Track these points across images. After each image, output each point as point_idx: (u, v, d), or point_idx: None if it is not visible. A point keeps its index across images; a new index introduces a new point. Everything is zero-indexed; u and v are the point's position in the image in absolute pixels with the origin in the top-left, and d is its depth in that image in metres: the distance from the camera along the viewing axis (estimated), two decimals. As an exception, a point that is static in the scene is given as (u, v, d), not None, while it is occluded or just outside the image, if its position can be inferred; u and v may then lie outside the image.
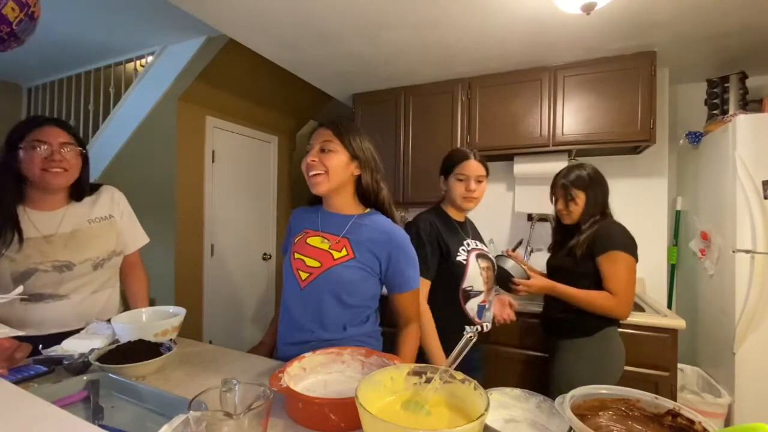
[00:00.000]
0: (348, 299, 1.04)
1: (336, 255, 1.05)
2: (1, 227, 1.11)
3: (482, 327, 1.38)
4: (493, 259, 1.50)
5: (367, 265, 1.05)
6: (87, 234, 1.23)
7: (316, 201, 1.19)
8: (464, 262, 1.36)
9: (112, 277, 1.33)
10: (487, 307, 1.40)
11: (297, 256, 1.09)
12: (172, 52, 2.86)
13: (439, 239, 1.38)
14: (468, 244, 1.40)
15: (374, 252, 1.05)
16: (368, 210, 1.13)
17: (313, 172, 1.03)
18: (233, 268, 3.20)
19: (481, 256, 1.41)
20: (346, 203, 1.12)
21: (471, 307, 1.37)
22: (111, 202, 1.33)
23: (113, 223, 1.31)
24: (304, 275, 1.06)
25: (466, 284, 1.35)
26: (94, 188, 1.33)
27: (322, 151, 1.04)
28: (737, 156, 1.85)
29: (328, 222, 1.11)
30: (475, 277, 1.36)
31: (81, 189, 1.26)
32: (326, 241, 1.08)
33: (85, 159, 1.25)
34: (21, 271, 1.12)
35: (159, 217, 2.75)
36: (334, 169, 1.04)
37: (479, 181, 1.41)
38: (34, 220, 1.17)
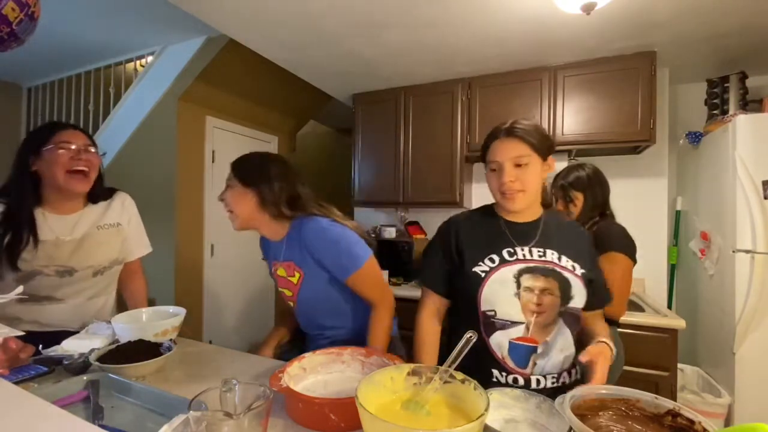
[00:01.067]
0: (329, 304, 1.14)
1: (294, 281, 1.14)
2: (20, 229, 1.11)
3: (527, 380, 0.92)
4: (570, 278, 0.94)
5: (316, 273, 1.10)
6: (94, 240, 1.24)
7: None
8: (482, 274, 0.96)
9: (110, 284, 1.33)
10: (538, 352, 0.92)
11: (280, 289, 1.22)
12: (172, 52, 2.86)
13: (452, 242, 1.05)
14: (512, 252, 0.97)
15: (309, 256, 1.09)
16: (290, 223, 1.14)
17: (226, 211, 1.12)
18: (233, 268, 3.20)
19: (534, 270, 0.94)
20: (273, 230, 1.15)
21: (498, 342, 0.94)
22: (121, 209, 1.35)
23: (120, 230, 1.32)
24: (290, 303, 1.20)
25: (485, 306, 0.96)
26: (109, 192, 1.35)
27: (228, 188, 1.11)
28: (737, 156, 1.85)
29: (275, 250, 1.18)
30: (498, 297, 0.94)
31: (96, 192, 1.28)
32: (283, 269, 1.16)
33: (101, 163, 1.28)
34: (26, 271, 1.13)
35: (159, 217, 2.74)
36: (233, 204, 1.10)
37: (518, 165, 0.96)
38: (52, 224, 1.18)
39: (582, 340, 0.97)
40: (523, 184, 0.96)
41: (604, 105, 2.17)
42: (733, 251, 1.86)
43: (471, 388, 0.63)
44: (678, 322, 1.76)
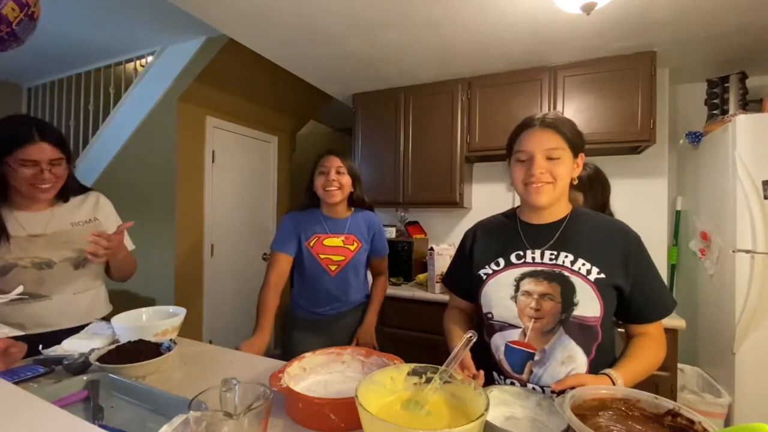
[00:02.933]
0: (361, 270, 1.63)
1: (351, 248, 1.56)
2: None
3: (523, 386, 0.88)
4: (577, 283, 0.88)
5: (367, 246, 1.60)
6: (68, 237, 1.23)
7: (309, 206, 1.59)
8: (483, 276, 0.98)
9: (96, 278, 1.33)
10: (535, 359, 0.89)
11: (323, 256, 1.53)
12: (172, 52, 2.86)
13: (467, 245, 1.07)
14: (520, 256, 0.95)
15: (366, 235, 1.60)
16: (353, 209, 1.61)
17: (332, 188, 1.47)
18: (233, 268, 3.20)
19: (538, 275, 0.91)
20: (343, 208, 1.58)
21: (496, 343, 0.95)
22: (95, 206, 1.34)
23: (97, 225, 1.31)
24: (333, 267, 1.54)
25: (485, 308, 0.98)
26: (82, 189, 1.33)
27: (337, 173, 1.49)
28: (737, 156, 1.85)
29: (333, 226, 1.56)
30: (494, 300, 0.95)
31: (67, 192, 1.26)
32: (338, 239, 1.54)
33: (69, 163, 1.24)
34: (1, 266, 1.13)
35: (159, 217, 2.75)
36: (346, 186, 1.51)
37: (550, 158, 0.90)
38: (21, 221, 1.17)
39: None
40: (553, 177, 0.90)
41: (604, 105, 2.17)
42: (733, 251, 1.86)
43: (471, 388, 0.63)
44: (678, 322, 1.76)
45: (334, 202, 1.50)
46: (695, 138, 2.39)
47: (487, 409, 0.54)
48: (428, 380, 0.67)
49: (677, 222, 2.56)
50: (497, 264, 0.97)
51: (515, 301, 0.92)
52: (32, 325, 1.17)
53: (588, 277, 0.87)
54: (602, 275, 0.87)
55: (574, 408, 0.62)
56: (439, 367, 0.67)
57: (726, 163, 1.94)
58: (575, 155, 0.93)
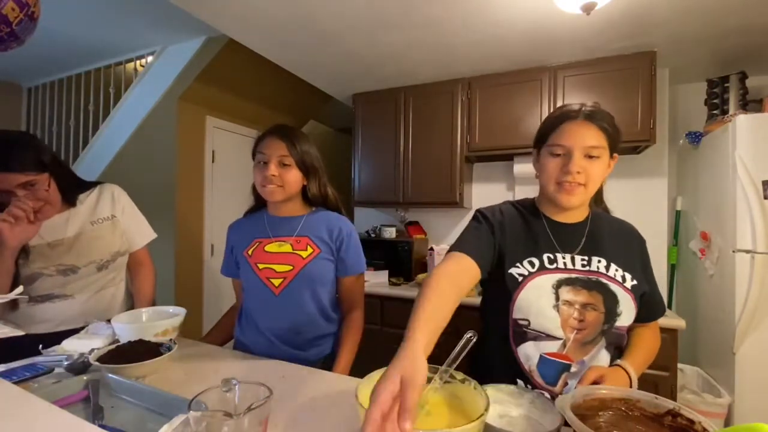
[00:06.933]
0: (321, 290, 1.15)
1: (304, 254, 1.14)
2: None
3: (554, 398, 0.78)
4: (618, 292, 0.84)
5: (328, 255, 1.16)
6: (90, 236, 1.23)
7: (257, 208, 1.29)
8: (519, 277, 0.86)
9: (117, 275, 1.33)
10: (571, 371, 0.83)
11: (261, 266, 1.14)
12: (172, 52, 2.86)
13: (498, 235, 0.90)
14: (552, 259, 0.87)
15: (329, 242, 1.16)
16: (314, 208, 1.23)
17: (270, 185, 1.11)
18: (233, 268, 3.20)
19: (575, 282, 0.84)
20: (296, 206, 1.21)
21: (526, 353, 0.86)
22: (112, 201, 1.32)
23: (116, 223, 1.30)
24: (277, 282, 1.12)
25: (517, 314, 0.86)
26: (90, 185, 1.30)
27: (281, 164, 1.11)
28: (737, 156, 1.84)
29: (278, 227, 1.18)
30: (534, 308, 0.85)
31: (71, 196, 1.22)
32: (285, 244, 1.15)
33: (56, 172, 1.15)
34: (26, 275, 1.13)
35: (159, 217, 2.72)
36: (292, 183, 1.13)
37: (590, 157, 0.83)
38: (40, 230, 1.15)
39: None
40: (588, 178, 0.83)
41: (603, 105, 2.13)
42: (733, 251, 1.86)
43: (471, 388, 0.63)
44: (678, 322, 1.76)
45: (275, 201, 1.16)
46: (695, 138, 2.39)
47: (487, 409, 0.54)
48: (428, 380, 0.67)
49: (677, 222, 2.56)
50: (531, 264, 0.87)
51: (558, 311, 0.84)
52: (57, 324, 1.18)
53: (625, 284, 0.84)
54: (635, 281, 0.85)
55: (574, 408, 0.62)
56: (439, 367, 0.66)
57: (726, 163, 1.94)
58: (611, 155, 0.87)
